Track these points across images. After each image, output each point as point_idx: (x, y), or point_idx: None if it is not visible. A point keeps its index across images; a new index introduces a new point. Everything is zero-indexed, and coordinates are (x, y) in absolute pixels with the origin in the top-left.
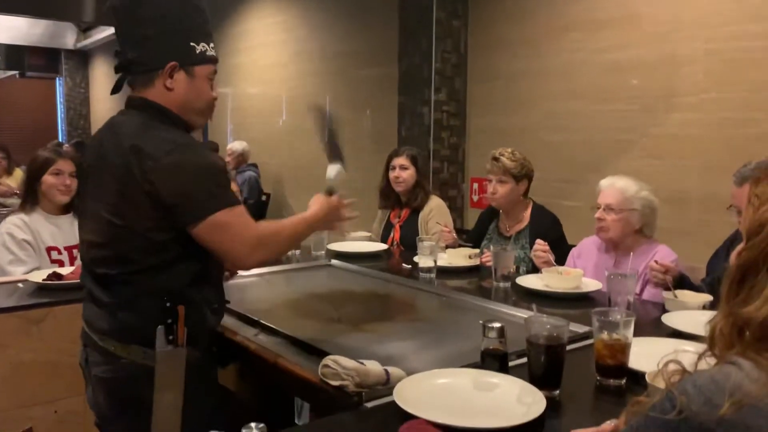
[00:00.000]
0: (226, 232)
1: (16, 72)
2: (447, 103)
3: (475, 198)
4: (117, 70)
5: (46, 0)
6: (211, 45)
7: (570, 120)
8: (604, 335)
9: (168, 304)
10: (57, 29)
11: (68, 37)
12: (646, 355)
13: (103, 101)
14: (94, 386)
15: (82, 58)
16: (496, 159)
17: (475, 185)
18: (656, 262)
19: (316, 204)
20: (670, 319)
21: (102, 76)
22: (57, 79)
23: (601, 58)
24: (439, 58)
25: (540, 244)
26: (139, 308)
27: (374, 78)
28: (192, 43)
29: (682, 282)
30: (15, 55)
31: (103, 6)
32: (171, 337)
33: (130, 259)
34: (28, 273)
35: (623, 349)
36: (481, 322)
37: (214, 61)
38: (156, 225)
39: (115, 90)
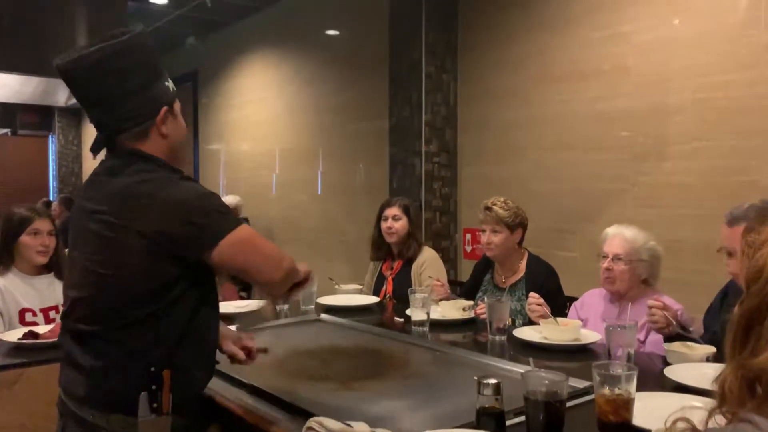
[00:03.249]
0: (251, 245)
1: (8, 130)
2: (438, 154)
3: (468, 249)
4: (107, 138)
5: (38, 58)
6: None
7: (561, 169)
8: (606, 390)
9: (153, 369)
10: (49, 87)
11: (60, 95)
12: (651, 410)
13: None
14: None
15: (75, 115)
16: (488, 208)
17: (468, 236)
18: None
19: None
20: (674, 373)
21: (94, 133)
22: (49, 136)
23: (590, 108)
24: (429, 111)
25: (534, 298)
26: (122, 372)
27: (366, 131)
28: (166, 82)
29: (681, 335)
30: (7, 113)
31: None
32: (155, 405)
33: (115, 311)
34: None
35: (626, 404)
36: (475, 378)
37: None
38: (145, 269)
39: (97, 150)
